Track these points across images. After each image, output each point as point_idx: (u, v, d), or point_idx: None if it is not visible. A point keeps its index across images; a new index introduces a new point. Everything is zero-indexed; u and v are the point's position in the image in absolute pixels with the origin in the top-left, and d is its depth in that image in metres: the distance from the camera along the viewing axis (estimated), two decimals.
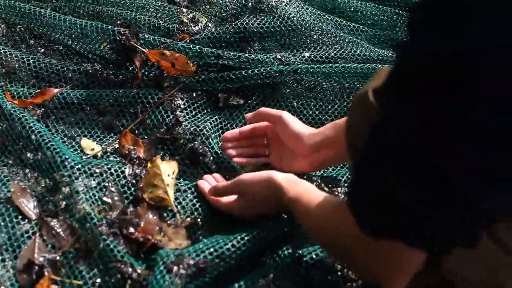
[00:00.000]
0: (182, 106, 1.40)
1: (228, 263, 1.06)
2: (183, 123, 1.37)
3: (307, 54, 1.56)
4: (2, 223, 1.12)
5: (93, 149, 1.33)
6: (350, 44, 1.62)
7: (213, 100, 1.47)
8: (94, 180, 1.21)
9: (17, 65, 1.48)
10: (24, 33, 1.62)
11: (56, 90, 1.40)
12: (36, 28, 1.61)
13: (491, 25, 0.57)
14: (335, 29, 1.69)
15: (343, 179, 1.30)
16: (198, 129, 1.35)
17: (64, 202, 1.16)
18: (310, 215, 0.97)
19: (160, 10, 1.66)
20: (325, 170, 1.34)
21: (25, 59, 1.49)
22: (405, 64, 0.66)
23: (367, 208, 0.74)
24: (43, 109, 1.39)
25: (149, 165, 1.25)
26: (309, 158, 1.18)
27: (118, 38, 1.46)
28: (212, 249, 1.05)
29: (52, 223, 1.13)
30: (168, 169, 1.24)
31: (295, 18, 1.60)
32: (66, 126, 1.38)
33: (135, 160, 1.29)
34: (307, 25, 1.61)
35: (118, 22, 1.59)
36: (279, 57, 1.52)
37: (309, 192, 1.01)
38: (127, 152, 1.31)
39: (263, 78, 1.45)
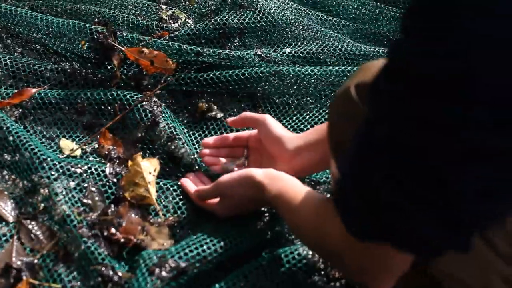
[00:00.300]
0: (161, 107, 1.38)
1: (211, 265, 1.05)
2: (161, 124, 1.34)
3: (288, 50, 1.55)
4: None
5: (72, 150, 1.31)
6: (331, 39, 1.61)
7: (192, 106, 1.46)
8: (73, 181, 1.19)
9: None
10: (1, 32, 1.59)
11: (33, 90, 1.38)
12: (13, 27, 1.58)
13: (480, 18, 0.56)
14: (316, 24, 1.68)
15: (328, 180, 1.29)
16: (174, 133, 1.32)
17: (42, 204, 1.15)
18: (294, 212, 0.95)
19: (139, 7, 1.65)
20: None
21: (1, 59, 1.47)
22: (397, 62, 0.64)
23: (353, 209, 0.73)
24: (20, 110, 1.37)
25: (129, 163, 1.24)
26: (290, 163, 1.16)
27: (95, 37, 1.45)
28: (195, 252, 1.04)
29: (30, 226, 1.11)
30: (149, 166, 1.23)
31: (275, 14, 1.59)
32: (44, 126, 1.36)
33: (115, 160, 1.27)
34: (288, 20, 1.60)
35: (96, 20, 1.57)
36: (260, 53, 1.51)
37: (292, 188, 0.99)
38: (106, 152, 1.30)
39: (244, 80, 1.43)
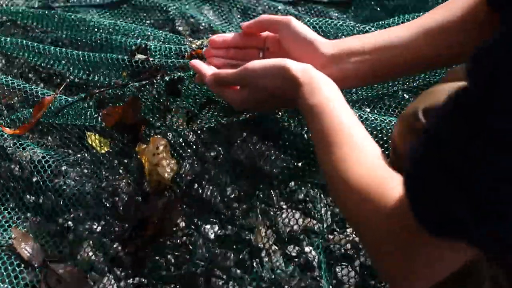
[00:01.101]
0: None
1: None
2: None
3: None
4: (5, 273, 1.04)
5: (101, 145, 1.24)
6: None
7: None
8: (99, 226, 1.12)
9: (15, 99, 1.39)
10: (23, 65, 1.52)
11: (50, 97, 1.28)
12: (51, 65, 1.49)
13: None
14: None
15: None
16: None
17: (69, 248, 1.09)
18: (335, 152, 0.76)
19: (167, 38, 1.56)
20: None
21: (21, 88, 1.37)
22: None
23: (435, 216, 0.60)
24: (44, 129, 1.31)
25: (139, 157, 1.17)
26: (323, 72, 0.90)
27: (134, 64, 1.33)
28: None
29: (57, 270, 1.04)
30: (151, 149, 1.14)
31: None
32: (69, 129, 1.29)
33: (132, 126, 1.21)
34: None
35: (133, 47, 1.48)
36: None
37: (337, 112, 0.80)
38: (121, 130, 1.23)
39: None
